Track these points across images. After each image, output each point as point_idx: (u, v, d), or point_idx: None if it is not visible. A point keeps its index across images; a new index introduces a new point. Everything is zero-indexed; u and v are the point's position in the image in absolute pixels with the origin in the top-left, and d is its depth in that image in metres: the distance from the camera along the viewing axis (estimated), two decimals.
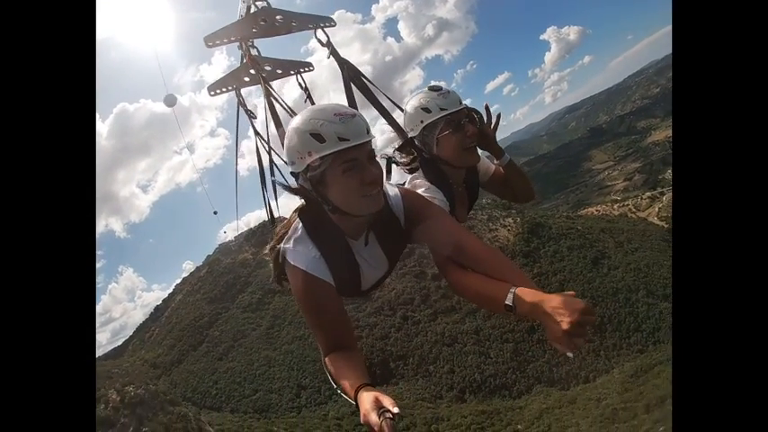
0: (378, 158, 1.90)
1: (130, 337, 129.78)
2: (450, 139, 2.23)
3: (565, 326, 1.31)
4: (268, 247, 1.86)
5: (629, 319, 72.31)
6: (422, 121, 2.27)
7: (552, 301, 1.37)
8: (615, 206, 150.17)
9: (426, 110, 2.25)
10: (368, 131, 1.60)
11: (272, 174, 3.07)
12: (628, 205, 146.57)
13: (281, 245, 1.75)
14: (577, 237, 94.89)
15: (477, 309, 72.09)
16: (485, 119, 2.42)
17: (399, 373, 70.32)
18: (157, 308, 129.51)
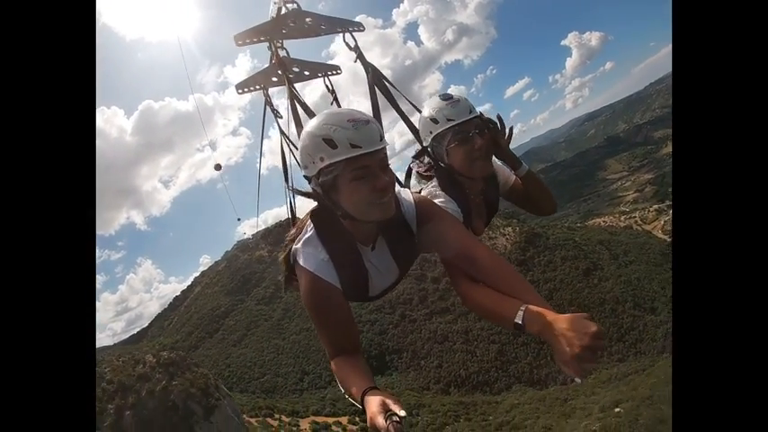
0: (394, 163, 2.07)
1: (149, 324, 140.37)
2: (459, 150, 2.17)
3: (576, 350, 1.27)
4: (283, 248, 1.86)
5: (612, 330, 76.37)
6: (431, 132, 2.22)
7: (563, 324, 1.33)
8: (622, 218, 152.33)
9: (434, 120, 2.19)
10: (381, 138, 1.57)
11: (292, 175, 3.09)
12: (635, 217, 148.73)
13: (293, 246, 1.75)
14: (573, 248, 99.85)
15: (468, 311, 78.90)
16: (498, 128, 2.32)
17: (394, 365, 78.20)
18: (176, 298, 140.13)
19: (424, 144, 2.31)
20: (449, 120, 2.16)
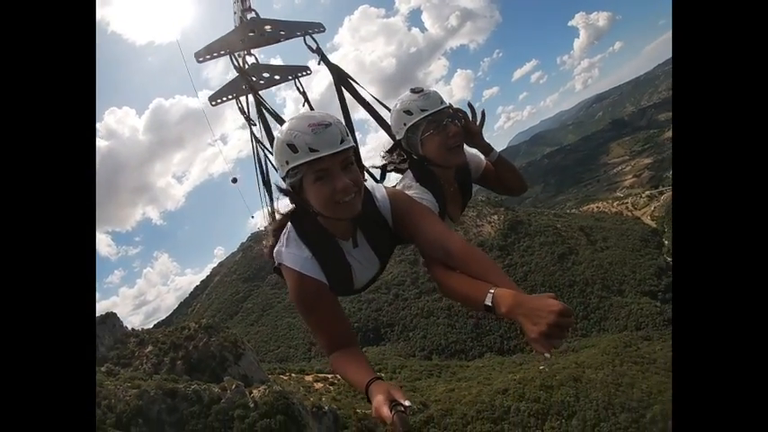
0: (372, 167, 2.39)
1: (173, 311, 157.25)
2: (434, 139, 2.24)
3: (541, 328, 1.34)
4: (264, 248, 1.94)
5: (579, 308, 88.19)
6: (404, 124, 2.28)
7: (529, 303, 1.40)
8: (615, 204, 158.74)
9: (408, 112, 2.26)
10: (342, 141, 1.62)
11: (268, 175, 3.31)
12: (626, 203, 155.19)
13: (276, 247, 1.80)
14: (552, 234, 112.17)
15: None
16: (470, 117, 2.42)
17: (387, 337, 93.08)
18: (197, 288, 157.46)
19: (398, 137, 2.37)
20: (422, 110, 2.23)
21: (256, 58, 3.45)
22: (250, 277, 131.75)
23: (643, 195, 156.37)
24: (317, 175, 1.61)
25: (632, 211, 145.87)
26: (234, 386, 37.56)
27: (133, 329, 56.73)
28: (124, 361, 47.89)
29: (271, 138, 2.65)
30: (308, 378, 65.03)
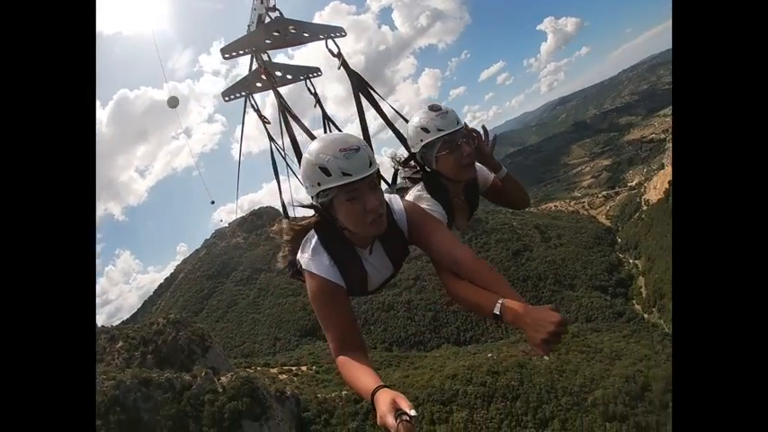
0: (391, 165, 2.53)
1: (137, 310, 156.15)
2: (449, 158, 2.37)
3: (543, 335, 1.51)
4: (280, 256, 2.13)
5: (532, 301, 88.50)
6: (421, 140, 2.40)
7: (533, 314, 1.58)
8: (572, 203, 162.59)
9: (425, 129, 2.37)
10: (371, 164, 1.78)
11: (287, 176, 3.20)
12: (583, 203, 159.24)
13: (299, 255, 1.97)
14: (508, 231, 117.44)
15: (412, 285, 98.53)
16: (482, 136, 2.55)
17: None
18: (161, 285, 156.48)
19: (413, 150, 2.50)
20: (439, 130, 2.35)
21: (269, 56, 3.50)
22: (214, 274, 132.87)
23: (599, 195, 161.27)
24: (349, 196, 1.78)
25: (588, 210, 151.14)
26: (203, 374, 41.60)
27: (103, 326, 59.15)
28: (96, 357, 50.51)
29: (291, 135, 2.88)
30: (273, 370, 68.63)
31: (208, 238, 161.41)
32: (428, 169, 2.49)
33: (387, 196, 2.06)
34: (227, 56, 3.16)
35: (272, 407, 41.71)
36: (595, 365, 61.51)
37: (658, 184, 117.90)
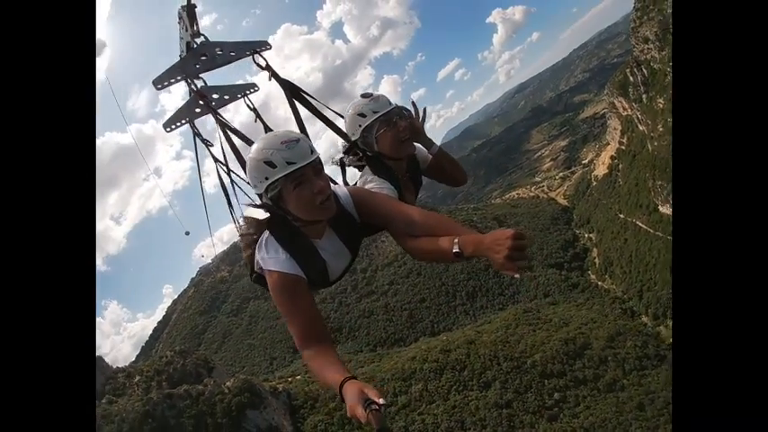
0: (331, 163, 2.66)
1: (137, 356, 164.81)
2: (387, 135, 2.55)
3: (504, 253, 1.55)
4: (244, 260, 2.15)
5: (495, 287, 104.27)
6: (360, 125, 2.58)
7: (488, 238, 1.63)
8: (533, 188, 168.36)
9: (362, 115, 2.57)
10: (312, 152, 1.86)
11: (234, 193, 3.43)
12: (543, 186, 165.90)
13: (256, 257, 2.01)
14: (468, 226, 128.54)
15: (387, 290, 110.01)
16: (413, 114, 2.70)
17: (337, 340, 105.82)
18: (155, 329, 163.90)
19: (353, 138, 2.66)
20: (374, 112, 2.56)
21: (204, 81, 3.42)
22: (206, 309, 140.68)
23: (557, 177, 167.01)
24: (296, 183, 1.84)
25: (547, 193, 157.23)
26: (212, 382, 54.94)
27: (118, 367, 70.57)
28: (118, 392, 60.80)
29: (237, 155, 2.91)
30: (272, 383, 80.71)
31: (194, 276, 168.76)
32: (369, 154, 2.66)
33: (332, 186, 2.08)
34: (159, 86, 3.22)
35: (267, 399, 55.16)
36: (538, 334, 73.64)
37: (606, 159, 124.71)
